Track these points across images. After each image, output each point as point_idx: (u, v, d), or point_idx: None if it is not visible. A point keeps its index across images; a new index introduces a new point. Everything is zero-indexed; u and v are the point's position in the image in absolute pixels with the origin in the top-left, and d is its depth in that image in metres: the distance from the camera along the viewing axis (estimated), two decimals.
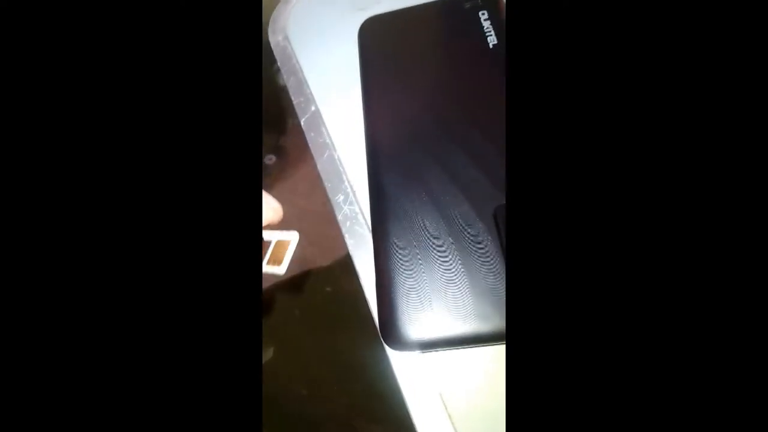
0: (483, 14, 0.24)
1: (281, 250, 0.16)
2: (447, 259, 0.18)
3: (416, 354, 0.18)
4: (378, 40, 0.26)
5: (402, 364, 0.18)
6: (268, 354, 0.38)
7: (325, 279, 0.46)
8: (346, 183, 0.23)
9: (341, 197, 0.23)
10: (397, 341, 0.17)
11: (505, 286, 0.17)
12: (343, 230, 0.22)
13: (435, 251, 0.18)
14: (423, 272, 0.18)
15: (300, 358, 0.38)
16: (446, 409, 0.17)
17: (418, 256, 0.18)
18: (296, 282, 0.48)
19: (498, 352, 0.18)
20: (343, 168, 0.23)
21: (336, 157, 0.24)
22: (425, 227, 0.19)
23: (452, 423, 0.17)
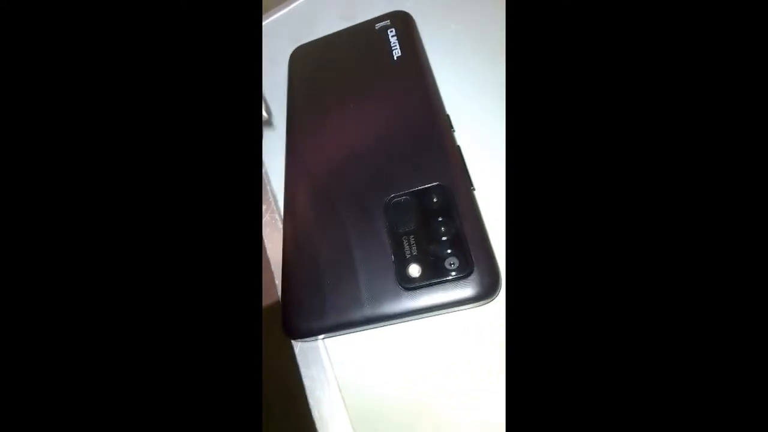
0: (391, 31, 0.26)
1: None
2: (340, 249, 0.19)
3: (316, 342, 0.19)
4: (304, 65, 0.28)
5: (304, 354, 0.19)
6: None
7: None
8: (270, 192, 0.24)
9: (264, 206, 0.24)
10: (295, 331, 0.18)
11: (392, 268, 0.18)
12: (264, 237, 0.23)
13: (331, 244, 0.19)
14: (318, 264, 0.19)
15: None
16: (341, 392, 0.17)
17: (315, 250, 0.19)
18: None
19: (387, 333, 0.18)
20: (268, 178, 0.25)
21: (264, 171, 0.25)
22: (322, 223, 0.20)
23: (345, 406, 0.17)
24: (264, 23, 0.35)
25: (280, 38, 0.32)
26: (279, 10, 0.35)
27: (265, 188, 0.25)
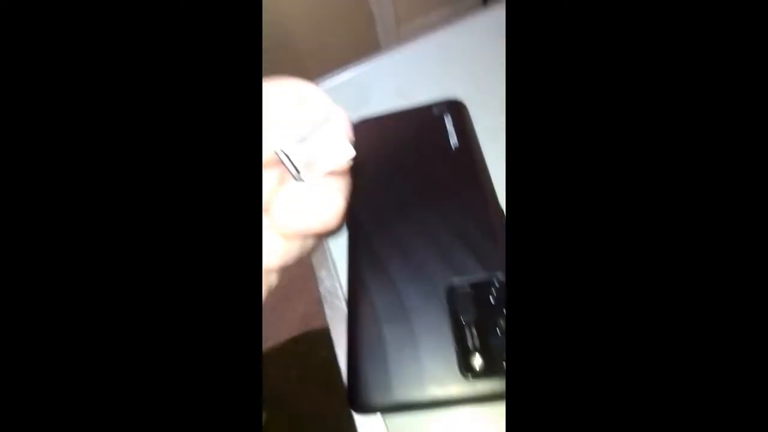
0: (448, 119, 0.29)
1: None
2: (406, 332, 0.21)
3: (380, 418, 0.21)
4: (366, 140, 0.31)
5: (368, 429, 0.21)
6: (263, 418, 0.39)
7: (322, 343, 0.48)
8: (329, 259, 0.27)
9: (324, 272, 0.26)
10: (360, 405, 0.20)
11: (454, 358, 0.20)
12: (324, 303, 0.25)
13: (396, 326, 0.21)
14: (385, 345, 0.21)
15: (294, 422, 0.39)
16: None
17: (382, 331, 0.21)
18: (294, 345, 0.50)
19: (452, 416, 0.20)
20: (328, 248, 0.27)
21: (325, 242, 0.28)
22: (387, 305, 0.22)
23: None
24: (322, 87, 0.38)
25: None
26: (335, 77, 0.38)
27: (326, 256, 0.27)
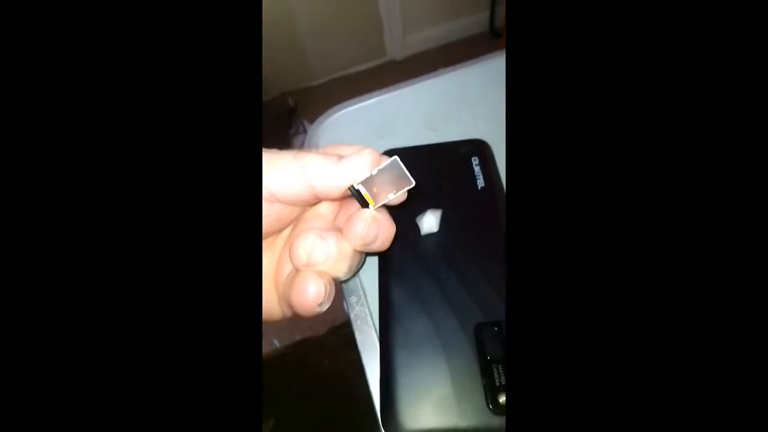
0: (474, 160, 0.31)
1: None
2: (438, 362, 0.23)
3: None
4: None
5: None
6: (268, 426, 0.41)
7: (323, 352, 0.50)
8: (360, 287, 0.28)
9: (354, 299, 0.28)
10: (392, 426, 0.22)
11: (482, 392, 0.21)
12: (354, 327, 0.27)
13: (429, 356, 0.23)
14: (419, 372, 0.23)
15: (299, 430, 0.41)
16: None
17: (415, 358, 0.23)
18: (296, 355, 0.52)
19: None
20: (359, 275, 0.29)
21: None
22: (421, 334, 0.24)
23: None
24: (351, 108, 0.39)
25: (365, 124, 0.36)
26: (366, 100, 0.39)
27: (358, 282, 0.28)
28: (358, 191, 0.20)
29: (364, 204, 0.21)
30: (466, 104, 0.37)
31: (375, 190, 0.20)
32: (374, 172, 0.20)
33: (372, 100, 0.39)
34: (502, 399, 0.21)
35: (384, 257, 0.27)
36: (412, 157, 0.33)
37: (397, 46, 1.54)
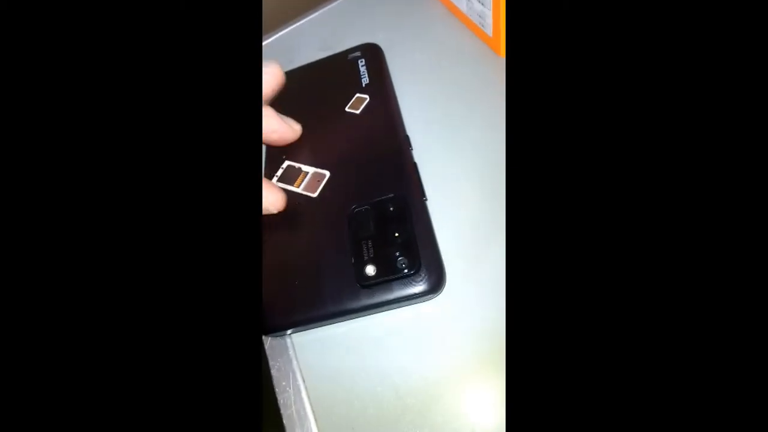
0: (361, 61, 0.29)
1: (315, 180, 0.20)
2: (311, 257, 0.21)
3: (284, 337, 0.21)
4: (284, 91, 0.31)
5: (272, 348, 0.21)
6: None
7: None
8: None
9: None
10: (265, 329, 0.20)
11: (353, 273, 0.20)
12: None
13: (300, 252, 0.21)
14: (288, 268, 0.21)
15: None
16: (304, 382, 0.19)
17: (289, 259, 0.21)
18: None
19: (350, 326, 0.20)
20: None
21: None
22: (296, 232, 0.22)
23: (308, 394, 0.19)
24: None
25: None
26: (264, 39, 0.38)
27: None
28: None
29: None
30: (367, 19, 0.35)
31: None
32: None
33: (266, 41, 0.38)
34: (369, 270, 0.19)
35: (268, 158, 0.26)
36: (301, 75, 0.31)
37: None
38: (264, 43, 0.38)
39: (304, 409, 0.19)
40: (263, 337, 0.21)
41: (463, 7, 0.29)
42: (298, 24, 0.38)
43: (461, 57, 0.29)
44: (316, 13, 0.38)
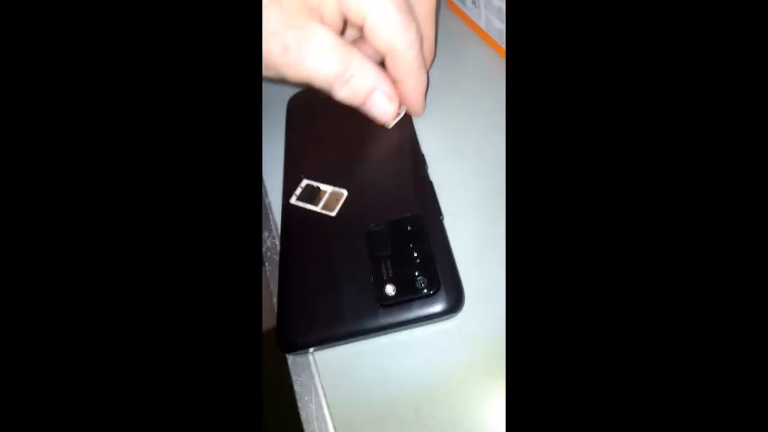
0: None
1: (334, 199, 0.20)
2: (330, 274, 0.22)
3: (306, 354, 0.21)
4: (301, 111, 0.32)
5: (295, 364, 0.21)
6: None
7: None
8: (272, 222, 0.28)
9: (266, 233, 0.27)
10: (285, 346, 0.21)
11: (373, 292, 0.20)
12: (265, 259, 0.26)
13: (321, 269, 0.22)
14: (310, 286, 0.22)
15: None
16: (326, 398, 0.20)
17: (308, 274, 0.22)
18: None
19: (372, 344, 0.20)
20: (270, 208, 0.28)
21: (266, 203, 0.29)
22: (316, 250, 0.23)
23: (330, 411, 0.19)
24: None
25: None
26: None
27: (268, 218, 0.28)
28: None
29: None
30: None
31: None
32: None
33: None
34: (389, 289, 0.20)
35: (286, 190, 0.27)
36: (317, 97, 0.32)
37: None
38: None
39: (326, 424, 0.19)
40: (286, 355, 0.22)
41: (482, 23, 0.30)
42: None
43: (480, 73, 0.29)
44: None
